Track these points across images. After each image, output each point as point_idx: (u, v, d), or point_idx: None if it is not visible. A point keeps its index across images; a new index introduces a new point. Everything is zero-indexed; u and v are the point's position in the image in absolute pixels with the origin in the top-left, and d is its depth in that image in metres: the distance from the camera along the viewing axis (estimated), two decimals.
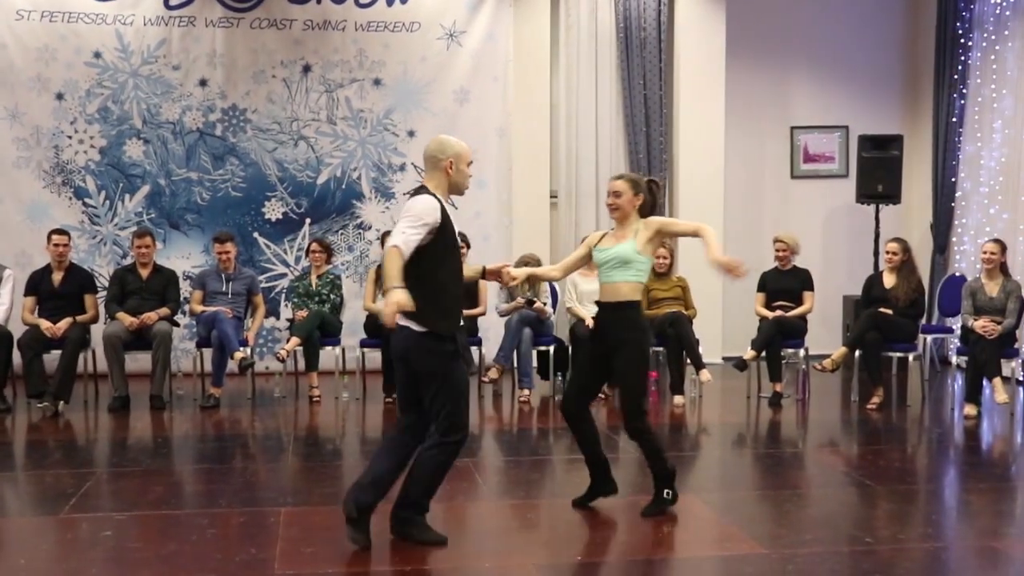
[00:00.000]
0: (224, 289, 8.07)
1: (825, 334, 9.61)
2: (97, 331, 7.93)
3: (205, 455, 6.37)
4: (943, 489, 5.70)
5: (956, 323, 8.41)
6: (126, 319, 7.67)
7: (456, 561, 4.20)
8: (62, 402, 7.44)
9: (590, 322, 7.48)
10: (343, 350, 8.35)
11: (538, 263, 7.84)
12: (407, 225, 4.10)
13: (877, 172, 9.74)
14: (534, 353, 8.17)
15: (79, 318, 7.75)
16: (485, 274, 4.78)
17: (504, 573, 4.08)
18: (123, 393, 7.61)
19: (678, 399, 7.79)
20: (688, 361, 7.85)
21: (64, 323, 7.62)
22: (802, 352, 8.13)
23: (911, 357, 7.89)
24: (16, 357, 7.60)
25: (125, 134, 9.21)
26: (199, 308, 8.00)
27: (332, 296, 8.25)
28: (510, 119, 9.60)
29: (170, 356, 7.78)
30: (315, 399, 7.94)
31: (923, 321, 8.31)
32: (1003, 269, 7.61)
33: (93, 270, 8.73)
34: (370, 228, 9.49)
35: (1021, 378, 7.92)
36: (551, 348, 8.27)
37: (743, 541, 4.42)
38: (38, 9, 9.04)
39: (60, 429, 7.04)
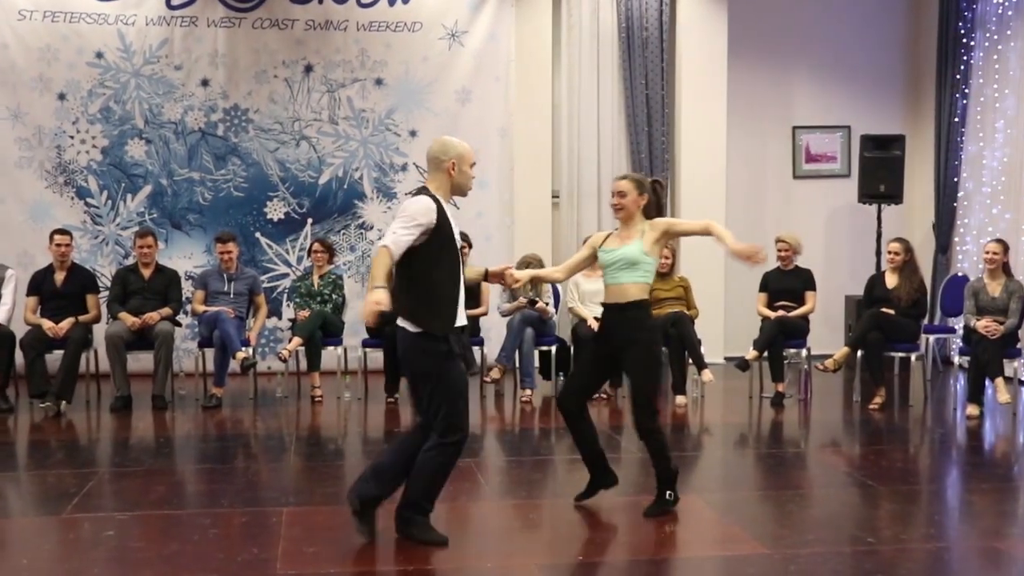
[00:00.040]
0: (226, 289, 8.07)
1: (827, 334, 9.59)
2: (99, 331, 7.93)
3: (207, 455, 6.37)
4: (945, 489, 5.69)
5: (958, 323, 8.39)
6: (128, 319, 7.67)
7: (458, 561, 4.20)
8: (64, 402, 7.44)
9: (592, 322, 7.50)
10: (345, 350, 8.36)
11: (540, 263, 7.85)
12: (400, 225, 4.10)
13: (879, 172, 9.73)
14: (536, 353, 8.17)
15: (81, 318, 7.75)
16: (488, 276, 4.78)
17: (506, 573, 4.08)
18: (125, 393, 7.61)
19: (680, 399, 7.78)
20: (690, 361, 7.84)
21: (66, 323, 7.62)
22: (804, 352, 8.12)
23: (913, 357, 7.88)
24: (18, 357, 7.60)
25: (127, 134, 9.21)
26: (201, 308, 8.00)
27: (334, 296, 8.26)
28: (512, 119, 9.59)
29: (172, 356, 7.78)
30: (317, 399, 7.94)
31: (925, 321, 8.29)
32: (1005, 269, 7.60)
33: (95, 270, 8.74)
34: (372, 228, 9.49)
35: (1023, 378, 7.91)
36: (553, 348, 8.26)
37: (745, 541, 4.42)
38: (40, 9, 9.04)
39: (62, 429, 7.04)
